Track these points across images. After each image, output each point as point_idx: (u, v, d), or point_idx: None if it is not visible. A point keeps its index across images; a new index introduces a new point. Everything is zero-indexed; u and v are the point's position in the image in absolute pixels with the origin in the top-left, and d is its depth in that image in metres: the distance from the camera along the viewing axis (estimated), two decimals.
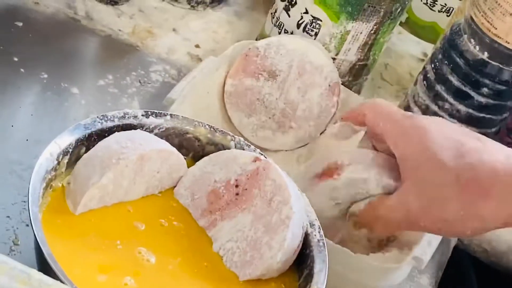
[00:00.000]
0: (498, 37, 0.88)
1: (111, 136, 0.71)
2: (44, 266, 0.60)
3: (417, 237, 0.79)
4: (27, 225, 0.74)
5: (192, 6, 1.06)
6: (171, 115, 0.75)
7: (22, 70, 0.89)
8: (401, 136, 0.73)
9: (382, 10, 0.92)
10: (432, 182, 0.70)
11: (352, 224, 0.77)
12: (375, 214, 0.75)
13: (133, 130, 0.72)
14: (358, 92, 1.01)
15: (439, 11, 1.12)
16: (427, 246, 0.79)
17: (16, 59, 0.89)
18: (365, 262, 0.77)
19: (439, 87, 0.93)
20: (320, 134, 0.89)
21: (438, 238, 0.81)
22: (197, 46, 1.02)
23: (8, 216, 0.75)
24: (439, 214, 0.71)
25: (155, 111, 0.75)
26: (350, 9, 0.91)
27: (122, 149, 0.69)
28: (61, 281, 0.58)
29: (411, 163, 0.72)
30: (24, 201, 0.75)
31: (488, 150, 0.71)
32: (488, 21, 0.88)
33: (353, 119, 0.79)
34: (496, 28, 0.87)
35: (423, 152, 0.71)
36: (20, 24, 0.94)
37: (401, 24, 1.15)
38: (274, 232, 0.69)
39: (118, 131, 0.72)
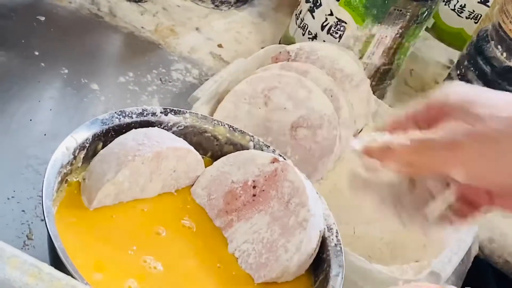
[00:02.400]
0: None
1: (128, 132, 0.70)
2: (55, 260, 0.60)
3: (436, 252, 0.78)
4: (42, 220, 0.73)
5: (216, 5, 1.05)
6: (190, 113, 0.75)
7: (42, 64, 0.88)
8: None
9: (408, 13, 0.91)
10: None
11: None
12: None
13: (150, 127, 0.72)
14: (382, 97, 0.99)
15: (466, 18, 1.11)
16: (447, 262, 0.78)
17: (37, 53, 0.89)
18: (382, 273, 0.75)
19: None
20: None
21: (460, 255, 0.79)
22: (219, 45, 1.01)
23: (23, 210, 0.74)
24: None
25: (174, 108, 0.74)
26: (375, 11, 0.90)
27: (139, 146, 0.68)
28: (72, 276, 0.57)
29: None
30: (39, 196, 0.74)
31: None
32: None
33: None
34: None
35: None
36: (43, 18, 0.93)
37: (428, 30, 1.14)
38: (290, 234, 0.68)
39: (136, 128, 0.71)
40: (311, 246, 0.68)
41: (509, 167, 0.59)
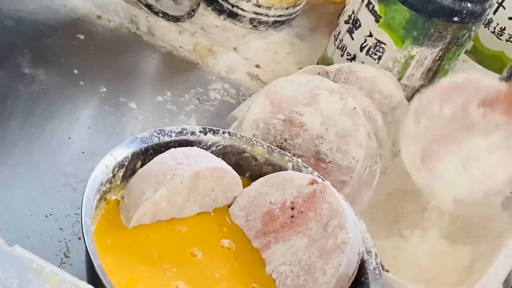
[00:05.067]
0: None
1: (167, 151, 0.70)
2: (93, 278, 0.59)
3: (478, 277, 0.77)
4: (79, 238, 0.73)
5: (254, 26, 1.05)
6: (229, 133, 0.74)
7: (81, 82, 0.89)
8: None
9: (449, 35, 0.90)
10: None
11: None
12: None
13: (189, 147, 0.71)
14: None
15: (506, 41, 1.10)
16: None
17: (76, 71, 0.89)
18: None
19: None
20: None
21: (499, 281, 0.78)
22: (257, 66, 1.01)
23: (61, 228, 0.74)
24: None
25: (213, 128, 0.74)
26: (415, 33, 0.89)
27: (177, 165, 0.68)
28: None
29: None
30: (77, 214, 0.75)
31: None
32: None
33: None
34: None
35: None
36: (82, 37, 0.94)
37: (467, 53, 1.13)
38: (329, 257, 0.67)
39: (175, 147, 0.71)
40: (349, 269, 0.67)
41: None
